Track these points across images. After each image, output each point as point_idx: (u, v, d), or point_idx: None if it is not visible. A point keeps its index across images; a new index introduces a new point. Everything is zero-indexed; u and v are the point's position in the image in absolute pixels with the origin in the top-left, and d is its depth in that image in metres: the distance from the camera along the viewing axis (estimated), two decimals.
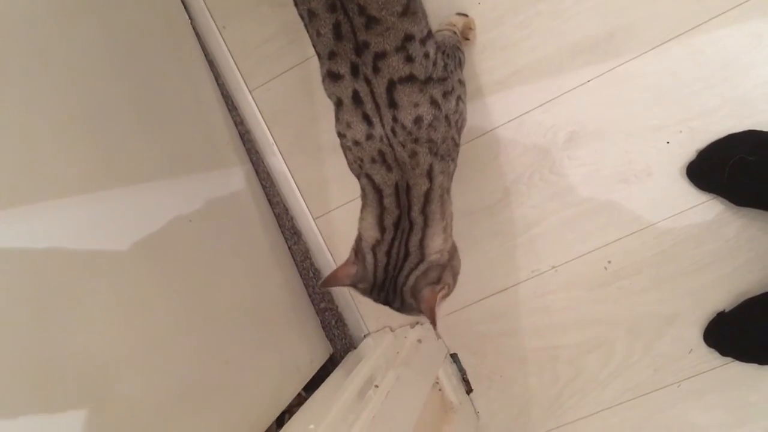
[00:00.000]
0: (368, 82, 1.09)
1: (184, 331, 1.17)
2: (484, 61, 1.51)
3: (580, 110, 1.48)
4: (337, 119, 1.17)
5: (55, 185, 1.00)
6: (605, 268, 1.53)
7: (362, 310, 1.70)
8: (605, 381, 1.57)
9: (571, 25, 1.46)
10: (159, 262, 1.17)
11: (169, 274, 1.19)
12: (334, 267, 1.68)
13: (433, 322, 1.13)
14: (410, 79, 1.09)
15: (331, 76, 1.14)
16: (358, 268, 1.17)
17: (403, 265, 1.15)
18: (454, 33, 1.40)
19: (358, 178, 1.21)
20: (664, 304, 1.51)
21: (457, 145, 1.22)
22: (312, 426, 1.08)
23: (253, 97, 1.68)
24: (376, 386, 1.20)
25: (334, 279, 1.18)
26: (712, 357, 1.50)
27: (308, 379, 1.52)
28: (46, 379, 0.87)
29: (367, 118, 1.11)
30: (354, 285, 1.20)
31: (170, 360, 1.10)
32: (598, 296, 1.54)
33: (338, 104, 1.15)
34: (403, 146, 1.11)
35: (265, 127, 1.68)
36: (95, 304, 0.99)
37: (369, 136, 1.12)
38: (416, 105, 1.10)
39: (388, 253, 1.15)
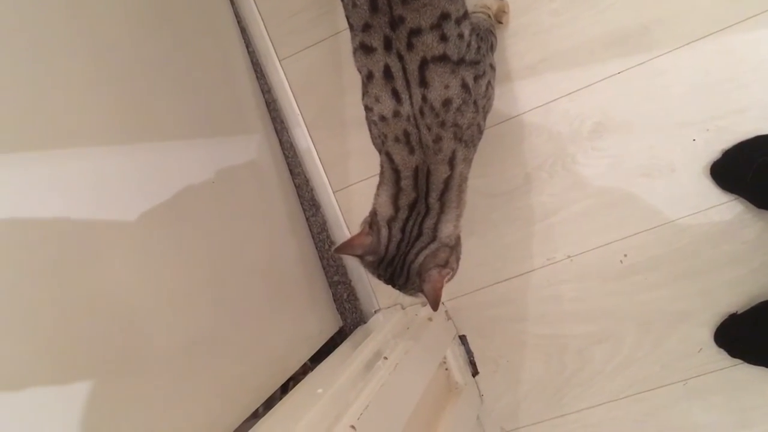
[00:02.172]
0: (401, 57, 1.10)
1: (201, 287, 1.19)
2: (515, 46, 1.51)
3: (607, 102, 1.48)
4: (366, 92, 1.18)
5: (86, 134, 1.02)
6: (621, 262, 1.53)
7: (375, 286, 1.71)
8: (612, 373, 1.57)
9: (606, 15, 1.45)
10: (181, 219, 1.19)
11: (191, 231, 1.20)
12: None
13: (435, 304, 1.14)
14: (443, 58, 1.09)
15: (364, 49, 1.14)
16: (373, 239, 1.18)
17: (414, 243, 1.16)
18: (488, 16, 1.40)
19: (379, 154, 1.21)
20: (677, 302, 1.51)
21: (481, 132, 1.22)
22: (320, 390, 1.10)
23: (282, 67, 1.68)
24: (385, 358, 1.21)
25: (348, 246, 1.20)
26: (721, 358, 1.50)
27: (316, 349, 1.54)
28: (73, 325, 0.89)
29: (396, 95, 1.12)
30: (364, 256, 1.21)
31: (188, 314, 1.12)
32: (612, 289, 1.55)
33: (368, 77, 1.15)
34: (429, 129, 1.11)
35: (292, 97, 1.69)
36: (119, 254, 1.01)
37: (396, 113, 1.13)
38: (447, 86, 1.10)
39: (403, 230, 1.16)
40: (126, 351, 0.97)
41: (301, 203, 1.70)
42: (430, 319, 1.52)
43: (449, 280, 1.16)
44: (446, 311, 1.65)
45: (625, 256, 1.52)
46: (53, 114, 0.97)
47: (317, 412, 1.02)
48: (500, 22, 1.47)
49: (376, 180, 1.22)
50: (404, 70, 1.10)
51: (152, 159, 1.17)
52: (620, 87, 1.47)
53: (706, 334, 1.50)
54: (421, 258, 1.15)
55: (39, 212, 0.89)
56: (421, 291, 1.17)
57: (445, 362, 1.56)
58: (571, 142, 1.52)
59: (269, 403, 1.27)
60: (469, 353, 1.66)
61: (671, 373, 1.53)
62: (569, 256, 1.56)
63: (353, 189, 1.69)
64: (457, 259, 1.20)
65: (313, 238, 1.71)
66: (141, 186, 1.12)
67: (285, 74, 1.68)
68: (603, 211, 1.52)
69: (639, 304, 1.53)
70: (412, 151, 1.13)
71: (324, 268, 1.72)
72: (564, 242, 1.56)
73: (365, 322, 1.70)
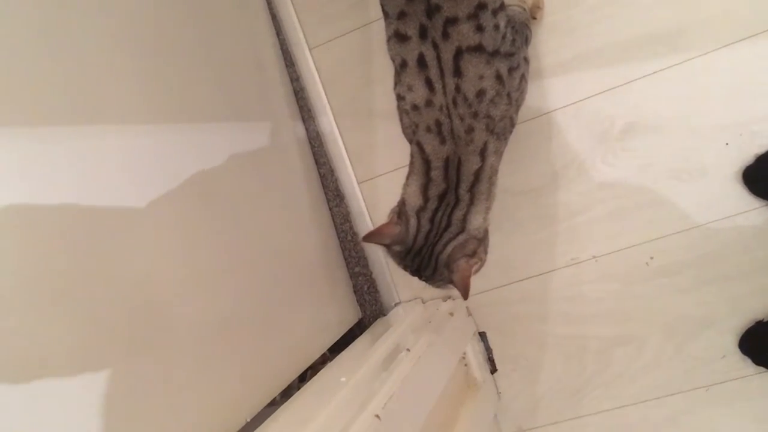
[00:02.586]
0: (436, 46, 1.09)
1: (227, 270, 1.18)
2: (549, 41, 1.50)
3: (641, 102, 1.46)
4: (399, 81, 1.17)
5: (117, 111, 1.03)
6: (646, 264, 1.51)
7: (396, 279, 1.70)
8: (633, 377, 1.55)
9: (644, 14, 1.43)
10: (208, 201, 1.18)
11: (217, 213, 1.20)
12: None
13: (465, 293, 1.13)
14: (478, 49, 1.09)
15: (398, 37, 1.13)
16: (401, 229, 1.17)
17: (442, 234, 1.16)
18: (524, 9, 1.39)
19: (410, 143, 1.21)
20: (703, 307, 1.49)
21: (513, 125, 1.21)
22: (343, 378, 1.09)
23: (311, 55, 1.68)
24: (408, 350, 1.21)
25: (377, 235, 1.19)
26: (745, 365, 1.48)
27: (336, 339, 1.53)
28: (98, 302, 0.89)
29: (429, 83, 1.11)
30: (391, 246, 1.20)
31: (212, 296, 1.12)
32: (636, 291, 1.53)
33: (402, 66, 1.14)
34: (461, 120, 1.11)
35: (321, 86, 1.68)
36: (146, 232, 1.01)
37: (429, 103, 1.12)
38: (481, 77, 1.10)
39: (431, 221, 1.15)
40: (150, 330, 0.97)
41: (325, 193, 1.70)
42: (451, 314, 1.51)
43: (477, 270, 1.16)
44: (467, 307, 1.64)
45: (652, 258, 1.51)
46: (86, 91, 0.97)
47: (341, 399, 1.02)
48: (534, 18, 1.46)
49: (402, 173, 1.22)
50: (439, 59, 1.09)
51: (181, 139, 1.16)
52: (654, 88, 1.45)
53: (731, 341, 1.48)
54: (449, 249, 1.14)
55: (66, 187, 0.88)
56: (451, 282, 1.16)
57: (464, 358, 1.55)
58: (601, 142, 1.50)
59: (287, 392, 1.27)
60: (488, 350, 1.65)
61: (694, 379, 1.52)
62: (594, 257, 1.55)
63: (378, 181, 1.68)
64: (485, 251, 1.19)
65: (335, 228, 1.70)
66: (168, 165, 1.11)
67: (314, 63, 1.68)
68: (631, 212, 1.50)
69: (664, 307, 1.52)
70: (443, 141, 1.12)
71: (345, 259, 1.71)
72: (589, 242, 1.55)
73: (385, 315, 1.69)
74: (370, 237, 1.20)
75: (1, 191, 0.78)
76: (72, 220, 0.88)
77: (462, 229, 1.15)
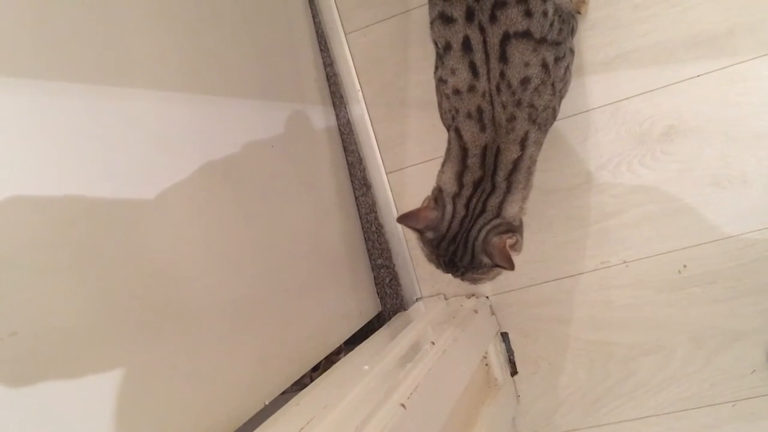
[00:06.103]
0: (482, 30, 1.06)
1: (251, 250, 1.16)
2: (591, 38, 1.46)
3: (682, 104, 1.42)
4: (441, 64, 1.14)
5: (155, 77, 1.00)
6: (679, 272, 1.47)
7: (419, 273, 1.67)
8: (657, 387, 1.51)
9: (691, 15, 1.39)
10: (235, 178, 1.16)
11: (242, 192, 1.17)
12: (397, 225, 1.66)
13: (509, 263, 1.09)
14: (526, 35, 1.06)
15: (443, 19, 1.10)
16: (437, 214, 1.14)
17: (477, 219, 1.13)
18: (570, 0, 1.36)
19: (447, 130, 1.18)
20: (734, 319, 1.44)
21: (554, 116, 1.18)
22: (366, 367, 1.06)
23: (347, 41, 1.65)
24: (433, 343, 1.17)
25: (413, 217, 1.16)
26: None
27: (355, 330, 1.50)
28: (118, 279, 0.86)
29: (473, 68, 1.08)
30: (424, 231, 1.17)
31: (236, 274, 1.09)
32: (667, 299, 1.48)
33: (446, 49, 1.11)
34: (504, 107, 1.08)
35: (354, 72, 1.65)
36: (171, 205, 0.98)
37: (471, 88, 1.09)
38: (527, 65, 1.07)
39: (467, 206, 1.12)
40: (171, 305, 0.94)
41: (352, 182, 1.67)
42: (475, 311, 1.48)
43: (514, 247, 1.12)
44: (490, 306, 1.60)
45: (685, 266, 1.46)
46: (117, 48, 0.94)
47: (365, 387, 0.99)
48: (578, 12, 1.42)
49: (431, 165, 1.20)
50: (485, 43, 1.06)
51: (211, 112, 1.13)
52: (698, 91, 1.41)
53: (761, 356, 1.44)
54: (483, 233, 1.11)
55: (89, 150, 0.85)
56: (492, 267, 1.13)
57: (485, 358, 1.51)
58: (640, 144, 1.46)
59: (299, 383, 1.23)
60: (509, 351, 1.61)
61: (720, 393, 1.47)
62: (625, 262, 1.51)
63: (407, 172, 1.65)
64: (521, 236, 1.16)
65: (360, 218, 1.67)
66: (197, 138, 1.08)
67: (350, 48, 1.65)
68: (666, 217, 1.46)
69: (694, 317, 1.47)
70: (483, 128, 1.09)
71: (368, 250, 1.68)
72: (621, 246, 1.51)
73: (405, 309, 1.65)
74: (405, 218, 1.16)
75: (19, 149, 0.75)
76: (92, 187, 0.85)
77: (497, 216, 1.12)
